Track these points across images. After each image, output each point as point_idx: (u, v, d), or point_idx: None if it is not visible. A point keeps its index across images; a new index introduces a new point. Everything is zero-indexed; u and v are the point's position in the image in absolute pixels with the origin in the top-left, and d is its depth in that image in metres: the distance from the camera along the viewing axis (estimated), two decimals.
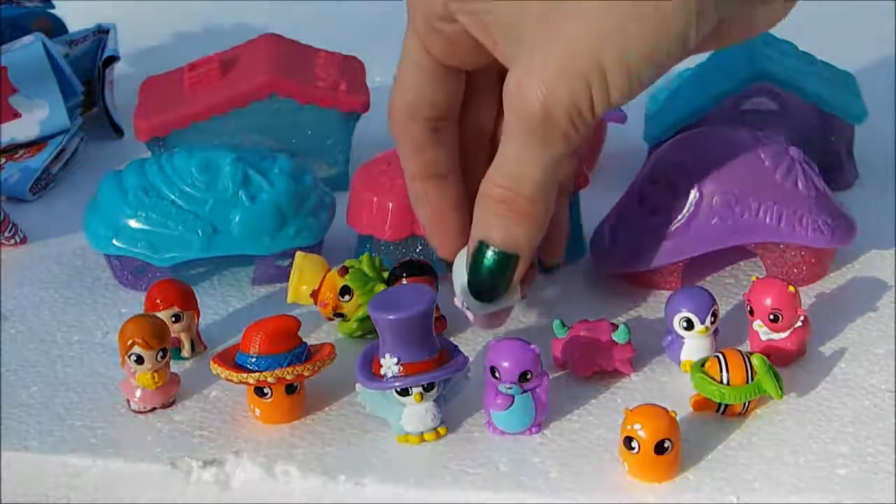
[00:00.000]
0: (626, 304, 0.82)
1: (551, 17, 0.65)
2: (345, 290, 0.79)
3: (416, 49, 0.72)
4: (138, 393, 0.74)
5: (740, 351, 0.72)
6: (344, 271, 0.79)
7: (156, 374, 0.74)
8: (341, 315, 0.79)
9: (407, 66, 0.73)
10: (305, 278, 0.79)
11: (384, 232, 0.84)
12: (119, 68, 1.09)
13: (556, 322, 0.76)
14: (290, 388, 0.73)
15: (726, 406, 0.72)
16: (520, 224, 0.69)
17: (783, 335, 0.75)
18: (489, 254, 0.69)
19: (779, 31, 0.96)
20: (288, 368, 0.71)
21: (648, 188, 0.82)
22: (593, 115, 0.66)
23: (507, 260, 0.69)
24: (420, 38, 0.72)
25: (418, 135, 0.73)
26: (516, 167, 0.67)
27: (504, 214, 0.68)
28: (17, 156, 0.99)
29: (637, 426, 0.67)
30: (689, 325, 0.75)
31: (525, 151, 0.67)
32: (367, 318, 0.76)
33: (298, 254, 0.80)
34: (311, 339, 0.78)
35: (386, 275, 0.79)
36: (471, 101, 0.74)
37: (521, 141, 0.67)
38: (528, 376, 0.71)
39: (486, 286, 0.70)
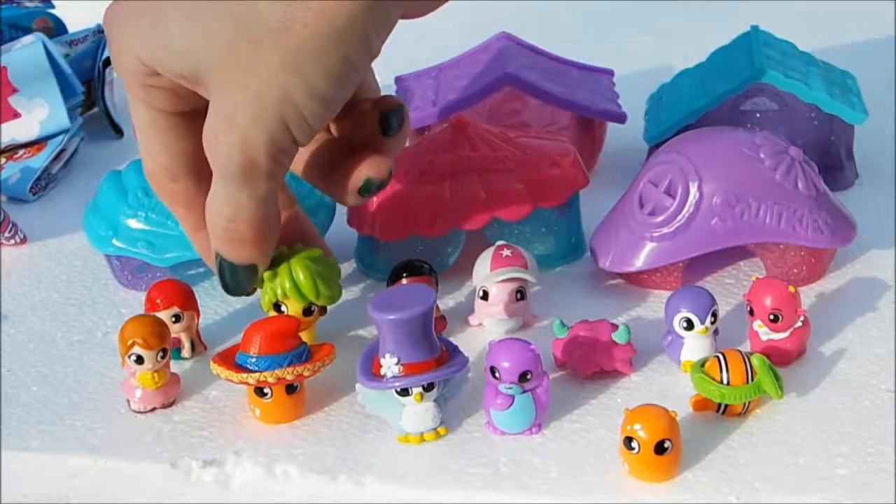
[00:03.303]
0: (626, 304, 0.82)
1: (229, 62, 0.66)
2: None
3: (145, 112, 0.73)
4: (138, 393, 0.74)
5: (740, 351, 0.72)
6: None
7: (156, 374, 0.74)
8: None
9: (145, 132, 0.74)
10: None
11: (384, 232, 0.84)
12: None
13: (556, 322, 0.76)
14: (290, 388, 0.73)
15: (726, 406, 0.72)
16: (247, 248, 0.72)
17: (783, 335, 0.75)
18: (230, 267, 0.73)
19: (779, 31, 0.97)
20: (288, 368, 0.71)
21: (648, 188, 0.82)
22: (297, 146, 0.68)
23: (247, 270, 0.74)
24: (143, 102, 0.72)
25: (185, 190, 0.75)
26: (230, 208, 0.70)
27: (233, 243, 0.72)
28: (17, 156, 1.00)
29: (637, 426, 0.67)
30: (689, 325, 0.75)
31: (236, 193, 0.69)
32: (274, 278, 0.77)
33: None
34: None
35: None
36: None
37: (229, 185, 0.69)
38: (528, 376, 0.71)
39: (237, 290, 0.75)
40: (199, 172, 0.74)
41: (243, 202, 0.70)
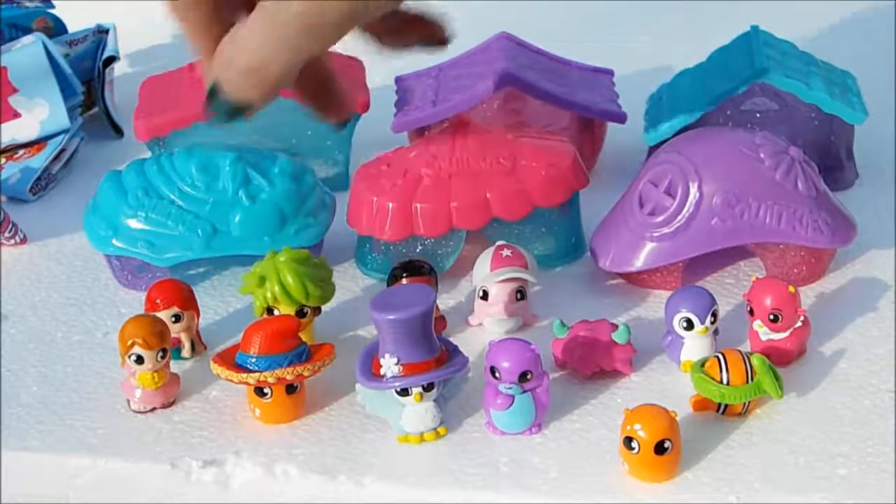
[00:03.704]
0: (626, 304, 0.82)
1: None
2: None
3: None
4: (138, 393, 0.74)
5: (740, 351, 0.72)
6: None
7: (156, 374, 0.74)
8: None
9: None
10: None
11: (384, 232, 0.84)
12: (119, 68, 1.09)
13: (556, 322, 0.76)
14: (290, 388, 0.73)
15: (726, 406, 0.72)
16: (254, 93, 0.69)
17: (783, 335, 0.75)
18: (221, 97, 0.70)
19: (779, 31, 0.97)
20: (288, 368, 0.71)
21: (648, 188, 0.82)
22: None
23: (237, 106, 0.70)
24: None
25: (204, 17, 0.70)
26: (261, 58, 0.67)
27: (240, 83, 0.68)
28: (17, 156, 0.99)
29: (637, 426, 0.67)
30: (689, 325, 0.75)
31: (275, 52, 0.67)
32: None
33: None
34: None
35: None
36: None
37: (273, 37, 0.66)
38: (528, 376, 0.71)
39: (220, 119, 0.70)
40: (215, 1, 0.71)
41: (281, 58, 0.67)
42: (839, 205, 0.83)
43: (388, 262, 0.84)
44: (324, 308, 0.80)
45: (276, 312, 0.77)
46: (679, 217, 0.81)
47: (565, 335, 0.75)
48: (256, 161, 0.85)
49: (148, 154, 0.93)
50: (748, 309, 0.76)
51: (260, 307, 0.78)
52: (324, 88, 0.73)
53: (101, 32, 1.08)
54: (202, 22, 0.72)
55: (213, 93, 0.71)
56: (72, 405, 0.76)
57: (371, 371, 0.71)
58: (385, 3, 0.67)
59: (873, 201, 0.92)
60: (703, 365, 0.72)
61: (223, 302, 0.85)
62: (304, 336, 0.75)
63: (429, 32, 0.75)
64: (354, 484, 0.70)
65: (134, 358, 0.73)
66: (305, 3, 0.65)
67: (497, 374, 0.71)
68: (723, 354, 0.72)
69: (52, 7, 1.11)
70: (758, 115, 0.92)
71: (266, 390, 0.73)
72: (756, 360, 0.72)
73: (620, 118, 0.94)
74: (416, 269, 0.80)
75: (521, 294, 0.80)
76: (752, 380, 0.71)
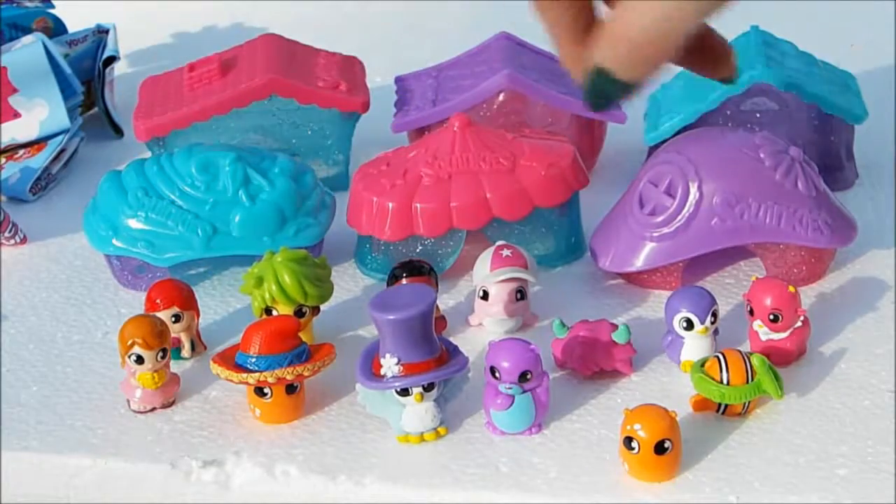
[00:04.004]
0: (626, 304, 0.82)
1: None
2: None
3: None
4: (138, 393, 0.74)
5: (740, 351, 0.72)
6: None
7: (156, 374, 0.74)
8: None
9: None
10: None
11: (384, 232, 0.84)
12: (119, 68, 1.09)
13: (556, 322, 0.76)
14: (290, 388, 0.73)
15: (726, 406, 0.72)
16: (647, 67, 0.63)
17: (783, 335, 0.75)
18: (608, 81, 0.64)
19: (779, 31, 0.97)
20: (288, 368, 0.71)
21: (648, 188, 0.82)
22: None
23: (625, 86, 0.64)
24: None
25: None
26: (665, 21, 0.61)
27: (634, 58, 0.63)
28: (17, 156, 0.99)
29: (637, 426, 0.67)
30: (689, 325, 0.75)
31: (675, 19, 0.61)
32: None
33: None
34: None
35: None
36: None
37: (674, 7, 0.61)
38: (528, 376, 0.71)
39: (601, 106, 0.64)
40: None
41: (687, 19, 0.61)
42: (839, 205, 0.83)
43: (388, 262, 0.84)
44: (323, 308, 0.80)
45: (274, 312, 0.77)
46: (679, 217, 0.81)
47: (565, 335, 0.75)
48: (256, 161, 0.85)
49: (148, 154, 0.93)
50: (748, 309, 0.76)
51: (258, 307, 0.78)
52: (704, 44, 0.67)
53: (101, 32, 1.08)
54: (569, 6, 0.65)
55: (598, 77, 0.64)
56: (72, 405, 0.76)
57: (371, 371, 0.71)
58: None
59: (873, 201, 0.92)
60: (703, 365, 0.72)
61: (223, 302, 0.85)
62: (303, 336, 0.75)
63: (721, 65, 0.71)
64: (354, 484, 0.70)
65: (134, 358, 0.73)
66: None
67: (497, 374, 0.71)
68: (723, 354, 0.72)
69: (52, 7, 1.11)
70: (758, 115, 0.92)
71: (266, 390, 0.73)
72: (756, 360, 0.71)
73: (620, 118, 0.94)
74: (416, 269, 0.80)
75: (521, 294, 0.80)
76: (752, 380, 0.71)
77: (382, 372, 0.70)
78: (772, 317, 0.75)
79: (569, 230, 0.87)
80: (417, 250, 0.85)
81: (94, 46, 1.08)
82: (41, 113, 1.00)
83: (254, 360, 0.72)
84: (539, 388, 0.71)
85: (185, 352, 0.79)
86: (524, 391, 0.71)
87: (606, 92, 0.64)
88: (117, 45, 1.08)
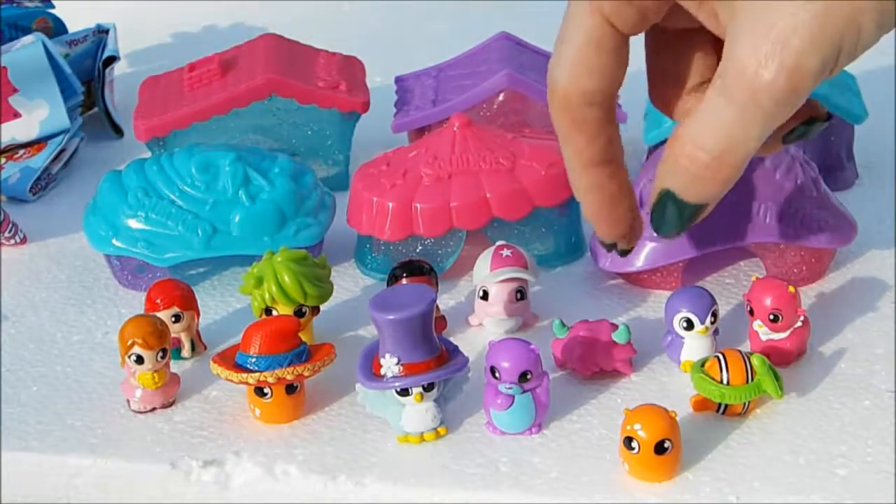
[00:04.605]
0: (626, 304, 0.82)
1: None
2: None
3: (594, 27, 0.63)
4: (138, 393, 0.74)
5: (740, 351, 0.72)
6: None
7: (156, 374, 0.74)
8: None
9: (581, 49, 0.64)
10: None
11: (384, 232, 0.84)
12: (119, 68, 1.09)
13: (556, 322, 0.76)
14: (290, 388, 0.73)
15: (726, 406, 0.72)
16: (717, 187, 0.63)
17: (783, 335, 0.75)
18: (675, 204, 0.64)
19: None
20: (288, 368, 0.71)
21: (648, 188, 0.82)
22: (832, 74, 0.60)
23: (693, 209, 0.64)
24: (604, 14, 0.63)
25: (595, 119, 0.65)
26: (732, 138, 0.61)
27: (700, 176, 0.63)
28: (17, 156, 0.99)
29: (637, 426, 0.67)
30: (689, 325, 0.75)
31: (745, 122, 0.60)
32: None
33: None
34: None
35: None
36: None
37: (747, 113, 0.60)
38: (528, 376, 0.71)
39: (668, 229, 0.65)
40: (614, 100, 0.66)
41: (753, 135, 0.61)
42: (839, 205, 0.83)
43: (388, 262, 0.84)
44: (323, 308, 0.80)
45: (274, 312, 0.77)
46: None
47: (565, 335, 0.75)
48: (256, 161, 0.85)
49: (148, 154, 0.93)
50: (748, 309, 0.76)
51: (258, 308, 0.78)
52: None
53: (101, 32, 1.08)
54: (596, 124, 0.65)
55: (665, 201, 0.64)
56: (72, 405, 0.76)
57: (371, 371, 0.71)
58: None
59: (873, 201, 0.92)
60: (703, 365, 0.72)
61: (223, 302, 0.85)
62: (303, 336, 0.75)
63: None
64: (354, 484, 0.70)
65: (134, 358, 0.73)
66: (780, 71, 0.58)
67: (497, 374, 0.71)
68: (723, 354, 0.72)
69: (52, 7, 1.11)
70: None
71: (266, 390, 0.73)
72: (756, 360, 0.71)
73: (620, 118, 0.94)
74: (416, 269, 0.80)
75: (521, 294, 0.80)
76: (752, 380, 0.71)
77: (382, 372, 0.70)
78: (772, 317, 0.75)
79: (569, 230, 0.87)
80: (417, 250, 0.85)
81: (94, 46, 1.08)
82: (41, 113, 1.00)
83: (254, 360, 0.72)
84: (539, 388, 0.71)
85: (185, 352, 0.79)
86: (524, 391, 0.71)
87: (676, 216, 0.64)
88: (117, 45, 1.08)
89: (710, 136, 0.61)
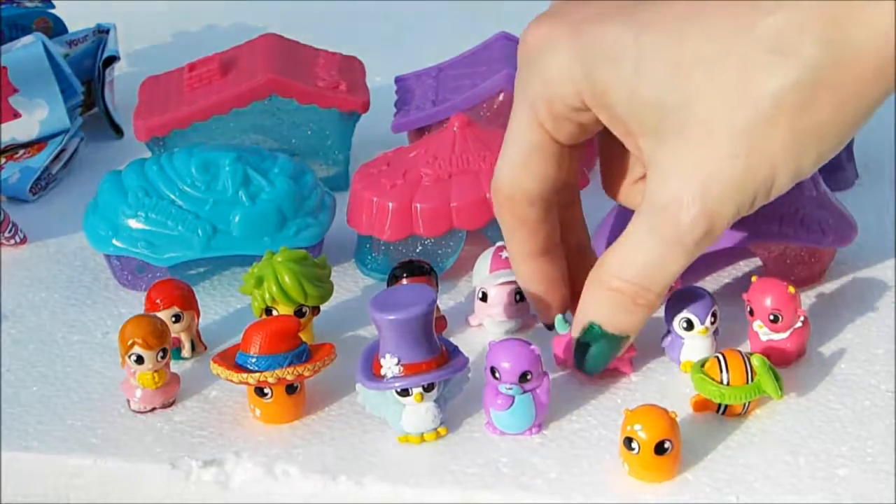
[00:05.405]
0: None
1: (718, 123, 0.62)
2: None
3: (535, 136, 0.69)
4: (138, 393, 0.74)
5: (740, 351, 0.72)
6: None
7: (156, 374, 0.74)
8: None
9: (524, 153, 0.70)
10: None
11: (384, 232, 0.84)
12: (119, 68, 1.09)
13: (559, 318, 0.75)
14: (291, 388, 0.73)
15: (726, 406, 0.72)
16: (638, 314, 0.69)
17: (783, 336, 0.75)
18: (599, 333, 0.70)
19: None
20: (288, 368, 0.71)
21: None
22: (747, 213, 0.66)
23: (617, 341, 0.70)
24: (544, 127, 0.69)
25: (535, 217, 0.71)
26: (651, 269, 0.67)
27: (624, 306, 0.68)
28: (17, 156, 0.99)
29: (637, 426, 0.67)
30: (689, 326, 0.75)
31: (668, 256, 0.66)
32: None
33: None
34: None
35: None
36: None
37: (666, 247, 0.66)
38: (529, 377, 0.70)
39: (592, 365, 0.71)
40: (553, 199, 0.71)
41: (672, 270, 0.66)
42: (839, 205, 0.83)
43: (388, 262, 0.84)
44: (324, 308, 0.80)
45: (274, 312, 0.77)
46: None
47: (567, 331, 0.75)
48: (256, 161, 0.85)
49: (148, 154, 0.93)
50: (748, 309, 0.76)
51: (258, 308, 0.78)
52: None
53: (101, 32, 1.08)
54: (537, 221, 0.71)
55: (588, 333, 0.69)
56: (72, 405, 0.76)
57: (371, 371, 0.71)
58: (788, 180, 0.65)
59: (873, 201, 0.92)
60: (703, 365, 0.72)
61: (223, 302, 0.85)
62: (303, 336, 0.75)
63: None
64: (354, 484, 0.70)
65: (134, 358, 0.73)
66: (701, 216, 0.64)
67: (497, 375, 0.71)
68: (723, 355, 0.72)
69: (52, 7, 1.11)
70: None
71: (266, 390, 0.73)
72: (756, 361, 0.71)
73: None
74: (417, 269, 0.80)
75: (520, 296, 0.80)
76: (752, 380, 0.71)
77: (382, 372, 0.70)
78: (772, 317, 0.75)
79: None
80: (417, 250, 0.85)
81: (94, 46, 1.08)
82: (41, 113, 1.00)
83: (254, 360, 0.72)
84: (539, 388, 0.71)
85: (185, 352, 0.79)
86: (524, 391, 0.71)
87: (600, 350, 0.70)
88: (117, 45, 1.08)
89: (632, 267, 0.67)
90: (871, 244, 0.86)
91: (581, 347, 0.71)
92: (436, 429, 0.72)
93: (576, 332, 0.71)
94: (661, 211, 0.65)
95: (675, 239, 0.65)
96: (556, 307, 0.75)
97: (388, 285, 0.80)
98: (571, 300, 0.74)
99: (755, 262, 0.85)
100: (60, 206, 0.97)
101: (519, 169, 0.70)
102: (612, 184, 0.74)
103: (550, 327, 0.76)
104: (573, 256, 0.75)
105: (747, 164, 0.63)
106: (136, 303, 0.84)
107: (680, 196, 0.64)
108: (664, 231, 0.65)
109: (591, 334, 0.70)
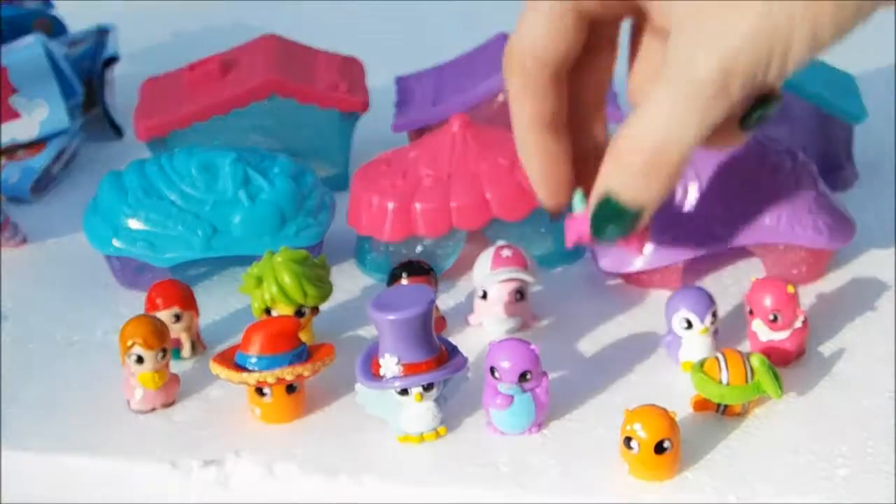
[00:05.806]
0: (625, 304, 0.82)
1: None
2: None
3: (562, 5, 0.67)
4: (138, 393, 0.74)
5: (740, 351, 0.72)
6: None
7: (156, 374, 0.74)
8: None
9: (541, 10, 0.68)
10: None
11: (384, 232, 0.84)
12: (119, 68, 1.09)
13: (578, 194, 0.70)
14: (290, 388, 0.73)
15: (726, 406, 0.72)
16: (657, 184, 0.65)
17: (783, 335, 0.75)
18: (615, 206, 0.66)
19: None
20: (288, 368, 0.71)
21: None
22: (766, 83, 0.63)
23: (633, 214, 0.66)
24: None
25: (543, 81, 0.68)
26: (670, 132, 0.64)
27: (643, 174, 0.65)
28: (17, 156, 1.00)
29: (637, 426, 0.67)
30: (689, 325, 0.75)
31: (684, 116, 0.63)
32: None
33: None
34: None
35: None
36: (588, 53, 0.70)
37: (682, 106, 0.63)
38: (528, 376, 0.71)
39: (608, 236, 0.67)
40: (560, 75, 0.69)
41: (690, 130, 0.63)
42: (839, 205, 0.83)
43: (388, 262, 0.84)
44: (323, 308, 0.80)
45: (274, 313, 0.78)
46: (679, 217, 0.81)
47: (584, 208, 0.72)
48: (256, 161, 0.85)
49: (148, 154, 0.93)
50: (748, 309, 0.76)
51: (258, 308, 0.78)
52: None
53: (102, 33, 1.08)
54: (546, 88, 0.68)
55: (605, 206, 0.66)
56: (72, 405, 0.76)
57: (371, 371, 0.71)
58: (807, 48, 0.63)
59: (873, 201, 0.92)
60: (702, 365, 0.72)
61: (223, 302, 0.85)
62: (303, 336, 0.75)
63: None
64: (354, 484, 0.70)
65: (134, 358, 0.73)
66: (716, 65, 0.62)
67: (497, 374, 0.71)
68: (723, 354, 0.72)
69: (52, 7, 1.11)
70: None
71: (266, 390, 0.73)
72: (756, 360, 0.72)
73: (621, 118, 0.94)
74: (416, 269, 0.80)
75: (520, 294, 0.80)
76: (751, 380, 0.71)
77: (382, 372, 0.70)
78: (772, 317, 0.75)
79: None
80: (417, 250, 0.85)
81: (94, 46, 1.08)
82: (41, 113, 1.00)
83: (254, 360, 0.72)
84: (539, 388, 0.71)
85: (185, 352, 0.79)
86: (524, 391, 0.71)
87: (617, 220, 0.66)
88: (117, 46, 1.08)
89: (650, 133, 0.64)
90: (870, 244, 0.86)
91: (599, 213, 0.67)
92: (435, 428, 0.72)
93: (593, 201, 0.68)
94: (677, 67, 0.63)
95: (691, 94, 0.63)
96: (558, 187, 0.71)
97: (388, 285, 0.80)
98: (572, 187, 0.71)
99: (755, 262, 0.85)
100: (60, 206, 0.97)
101: (530, 26, 0.69)
102: (639, 91, 0.71)
103: (553, 216, 0.71)
104: (589, 159, 0.71)
105: (765, 15, 0.61)
106: (136, 303, 0.84)
107: (696, 51, 0.62)
108: (681, 88, 0.63)
109: (609, 209, 0.66)
